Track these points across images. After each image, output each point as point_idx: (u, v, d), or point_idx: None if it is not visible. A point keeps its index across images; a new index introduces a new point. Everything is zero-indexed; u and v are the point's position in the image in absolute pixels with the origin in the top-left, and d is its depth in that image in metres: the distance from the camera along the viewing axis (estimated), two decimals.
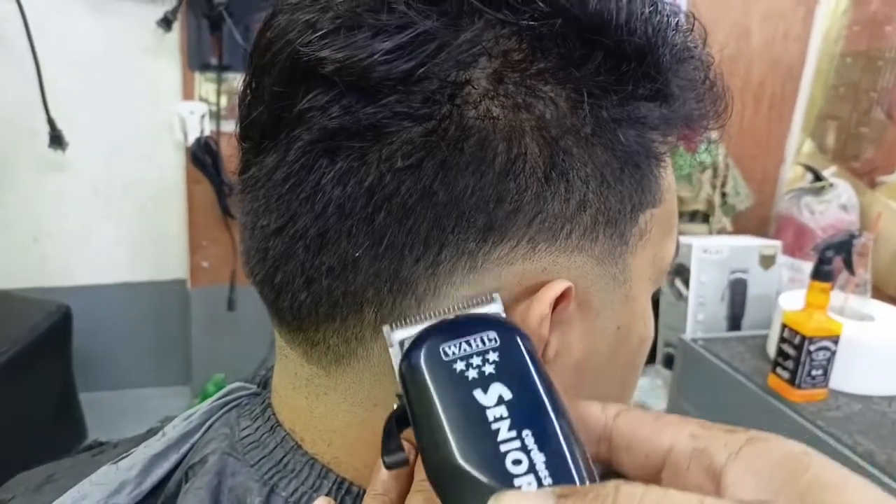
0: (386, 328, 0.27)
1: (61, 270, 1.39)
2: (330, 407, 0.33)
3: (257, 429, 0.36)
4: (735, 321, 1.46)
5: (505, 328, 0.26)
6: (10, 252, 1.38)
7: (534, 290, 0.29)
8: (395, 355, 0.27)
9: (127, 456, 0.39)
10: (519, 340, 0.26)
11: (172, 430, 0.39)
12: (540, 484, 0.21)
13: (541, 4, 0.27)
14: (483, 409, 0.23)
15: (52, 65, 1.28)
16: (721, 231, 1.59)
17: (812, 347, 1.04)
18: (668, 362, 1.54)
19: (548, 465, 0.22)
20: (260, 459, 0.34)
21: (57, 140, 1.29)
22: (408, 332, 0.27)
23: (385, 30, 0.26)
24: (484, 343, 0.25)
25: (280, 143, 0.29)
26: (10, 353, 1.12)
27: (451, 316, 0.27)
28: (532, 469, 0.22)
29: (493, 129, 0.27)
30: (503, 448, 0.22)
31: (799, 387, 1.06)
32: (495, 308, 0.28)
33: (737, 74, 1.64)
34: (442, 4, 0.27)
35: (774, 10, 1.61)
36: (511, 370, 0.25)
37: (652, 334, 0.37)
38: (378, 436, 0.27)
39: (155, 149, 1.60)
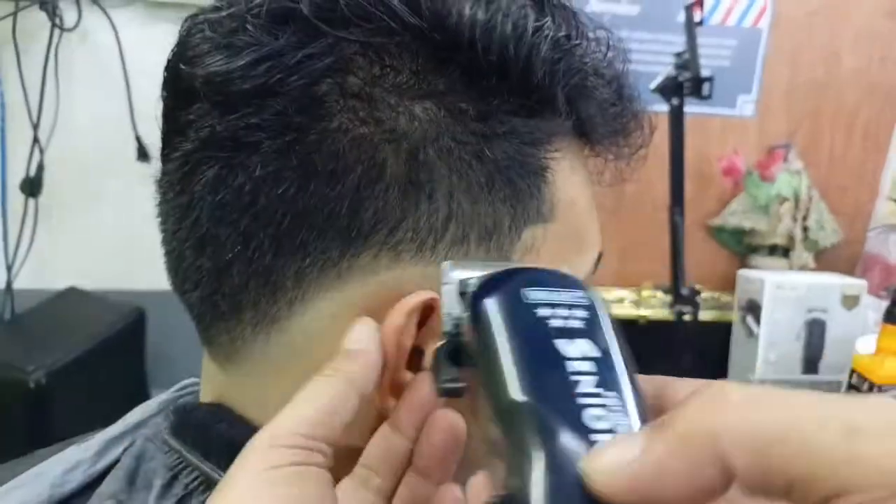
0: (446, 264, 0.27)
1: (141, 275, 1.49)
2: (229, 403, 0.34)
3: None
4: (811, 364, 1.36)
5: (593, 293, 0.25)
6: (98, 256, 1.49)
7: (399, 300, 0.29)
8: (450, 292, 0.26)
9: (91, 438, 0.42)
10: (605, 310, 0.25)
11: (131, 416, 0.42)
12: None
13: (389, 22, 0.28)
14: (564, 358, 0.23)
15: (142, 86, 1.38)
16: (802, 267, 1.49)
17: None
18: None
19: (626, 428, 0.21)
20: (173, 448, 0.35)
21: (143, 154, 1.40)
22: (469, 272, 0.26)
23: (241, 49, 0.28)
24: (573, 299, 0.24)
25: (171, 152, 0.31)
26: (86, 347, 1.21)
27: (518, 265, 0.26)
28: (613, 430, 0.21)
29: (346, 142, 0.28)
30: (581, 401, 0.22)
31: None
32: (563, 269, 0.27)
33: (826, 100, 1.54)
34: (293, 24, 0.28)
35: (867, 31, 1.51)
36: (598, 332, 0.24)
37: None
38: None
39: None
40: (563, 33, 0.30)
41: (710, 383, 0.22)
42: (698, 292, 1.29)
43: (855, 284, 1.35)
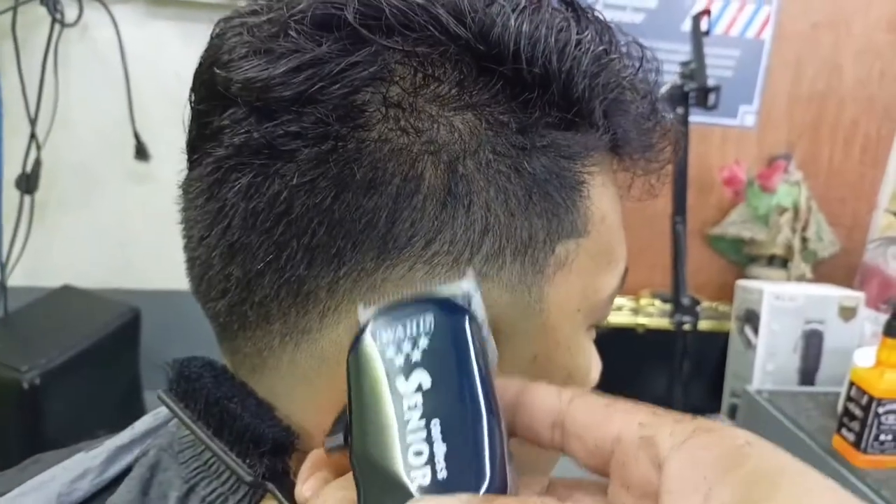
0: (360, 305, 0.27)
1: (139, 274, 1.47)
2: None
3: None
4: (808, 375, 1.36)
5: (444, 310, 0.25)
6: (97, 255, 1.48)
7: None
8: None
9: (99, 445, 0.41)
10: (456, 323, 0.24)
11: (141, 424, 0.41)
12: (434, 477, 0.21)
13: (434, 31, 0.28)
14: (401, 397, 0.23)
15: (141, 84, 1.37)
16: (800, 278, 1.50)
17: (881, 410, 0.96)
18: (733, 412, 1.46)
19: (447, 457, 0.21)
20: (189, 458, 0.35)
21: (141, 152, 1.39)
22: (365, 315, 0.26)
23: (283, 55, 0.28)
24: (418, 327, 0.24)
25: (202, 158, 0.30)
26: (80, 347, 1.20)
27: (406, 298, 0.26)
28: (431, 461, 0.21)
29: (385, 152, 0.28)
30: (409, 438, 0.22)
31: (865, 451, 0.97)
32: (465, 286, 0.26)
33: (826, 113, 1.55)
34: (337, 32, 0.28)
35: (869, 47, 1.52)
36: (437, 357, 0.24)
37: (592, 371, 0.35)
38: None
39: None
40: (601, 47, 0.30)
41: (609, 406, 0.24)
42: (698, 302, 1.29)
43: (853, 296, 1.36)
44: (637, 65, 0.32)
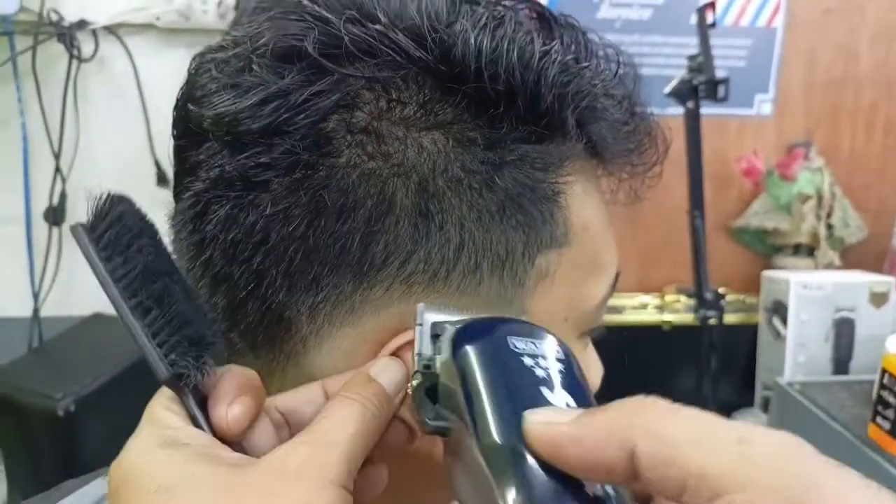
0: (420, 306, 0.28)
1: None
2: None
3: None
4: (842, 364, 1.34)
5: (564, 345, 0.27)
6: None
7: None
8: (423, 333, 0.27)
9: None
10: (576, 362, 0.26)
11: None
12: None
13: (395, 56, 0.28)
14: (549, 405, 0.24)
15: (159, 112, 1.40)
16: (828, 266, 1.47)
17: None
18: (766, 406, 1.43)
19: None
20: None
21: (163, 179, 1.42)
22: (443, 316, 0.27)
23: (249, 89, 0.28)
24: (552, 350, 0.26)
25: (182, 191, 0.31)
26: (113, 373, 1.22)
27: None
28: None
29: (355, 178, 0.28)
30: None
31: None
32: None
33: (844, 98, 1.52)
34: (299, 63, 0.28)
35: (885, 29, 1.49)
36: (576, 385, 0.25)
37: (590, 377, 0.35)
38: None
39: None
40: (571, 56, 0.30)
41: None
42: (722, 296, 1.27)
43: (883, 281, 1.33)
44: (614, 69, 0.32)
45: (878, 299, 1.32)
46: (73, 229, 0.27)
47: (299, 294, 0.29)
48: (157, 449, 0.25)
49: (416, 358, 0.27)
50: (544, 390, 0.24)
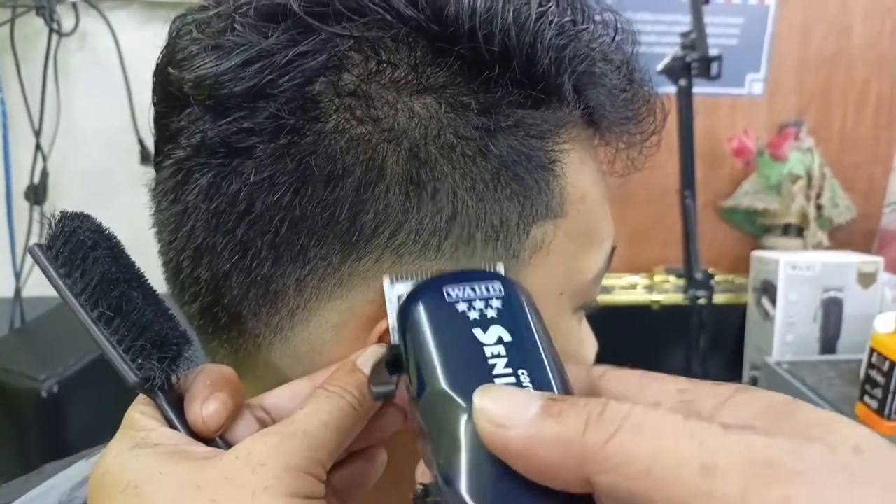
0: (386, 280, 0.28)
1: (150, 278, 1.49)
2: None
3: None
4: (829, 344, 1.34)
5: (509, 282, 0.27)
6: None
7: None
8: (392, 305, 0.27)
9: (99, 452, 0.41)
10: (521, 294, 0.27)
11: None
12: None
13: (385, 14, 0.27)
14: (481, 345, 0.25)
15: (142, 88, 1.37)
16: (817, 246, 1.47)
17: None
18: (754, 385, 1.44)
19: None
20: None
21: (146, 157, 1.39)
22: (406, 287, 0.27)
23: (231, 50, 0.27)
24: (488, 291, 0.26)
25: (163, 160, 0.30)
26: (96, 354, 1.20)
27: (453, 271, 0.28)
28: None
29: (343, 143, 0.27)
30: (498, 382, 0.23)
31: (888, 418, 0.96)
32: (500, 267, 0.29)
33: (836, 76, 1.51)
34: (283, 22, 0.27)
35: (878, 5, 1.48)
36: (512, 317, 0.26)
37: (585, 353, 0.34)
38: None
39: None
40: (568, 18, 0.29)
41: (644, 377, 0.24)
42: (712, 276, 1.27)
43: (871, 261, 1.33)
44: (612, 34, 0.31)
45: (866, 279, 1.33)
46: (31, 250, 0.27)
47: (286, 266, 0.28)
48: (128, 451, 0.25)
49: (391, 332, 0.27)
50: (477, 331, 0.25)
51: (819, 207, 1.46)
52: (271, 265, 0.28)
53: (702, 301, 1.26)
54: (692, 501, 0.17)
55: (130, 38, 1.37)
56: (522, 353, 0.24)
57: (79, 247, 0.27)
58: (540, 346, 0.25)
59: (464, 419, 0.22)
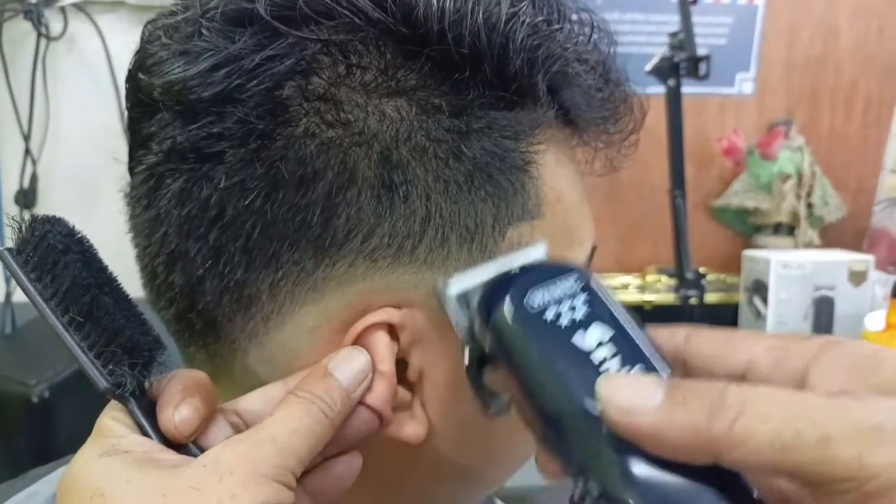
0: (440, 282, 0.27)
1: (139, 284, 1.49)
2: None
3: None
4: None
5: (581, 272, 0.26)
6: None
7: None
8: (454, 309, 0.27)
9: None
10: (593, 281, 0.26)
11: None
12: None
13: (353, 17, 0.27)
14: (586, 353, 0.24)
15: None
16: (808, 245, 1.48)
17: None
18: None
19: None
20: None
21: None
22: (464, 284, 0.27)
23: (199, 54, 0.27)
24: (567, 288, 0.25)
25: (136, 166, 0.30)
26: None
27: (514, 265, 0.27)
28: None
29: (314, 148, 0.27)
30: None
31: None
32: (540, 251, 0.28)
33: (825, 75, 1.52)
34: (250, 26, 0.27)
35: (865, 6, 1.49)
36: (600, 312, 0.25)
37: None
38: None
39: None
40: (541, 18, 0.29)
41: (730, 337, 0.24)
42: (703, 275, 1.27)
43: (862, 260, 1.34)
44: (588, 33, 0.31)
45: (857, 278, 1.33)
46: (0, 254, 0.27)
47: (259, 271, 0.28)
48: (98, 458, 0.25)
49: (457, 332, 0.27)
50: (576, 338, 0.24)
51: (809, 206, 1.47)
52: (244, 270, 0.28)
53: (693, 301, 1.26)
54: (814, 466, 0.19)
55: (119, 42, 1.36)
56: (623, 349, 0.24)
57: (49, 251, 0.27)
58: (632, 334, 0.25)
59: (600, 432, 0.22)
